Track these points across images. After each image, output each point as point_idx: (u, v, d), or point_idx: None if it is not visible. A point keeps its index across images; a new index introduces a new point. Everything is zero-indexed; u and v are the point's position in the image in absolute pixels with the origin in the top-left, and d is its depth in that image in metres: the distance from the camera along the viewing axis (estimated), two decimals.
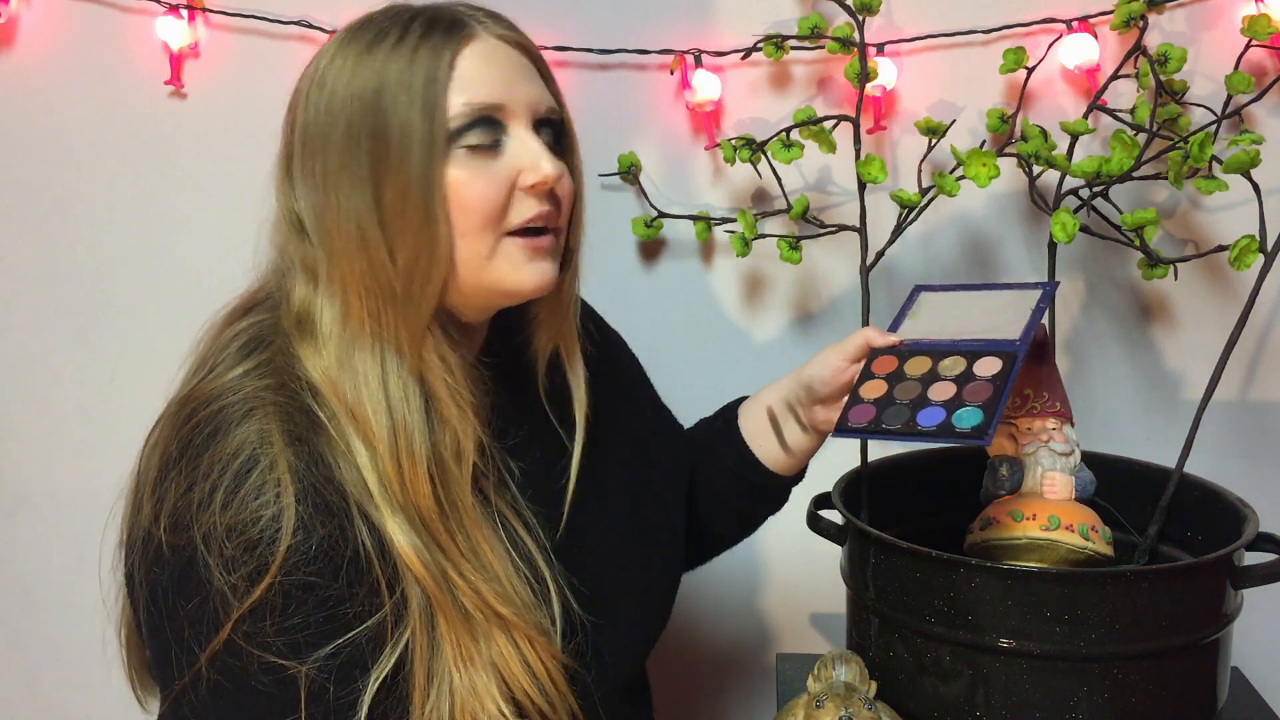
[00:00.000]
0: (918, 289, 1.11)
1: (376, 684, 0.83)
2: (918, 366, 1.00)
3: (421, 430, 0.86)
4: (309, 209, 0.88)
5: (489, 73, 0.87)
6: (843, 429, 0.98)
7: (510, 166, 0.87)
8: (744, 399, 1.16)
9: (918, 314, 1.08)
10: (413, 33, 0.86)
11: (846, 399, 1.00)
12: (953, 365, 0.99)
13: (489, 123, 0.86)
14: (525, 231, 0.88)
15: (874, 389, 0.99)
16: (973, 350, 1.00)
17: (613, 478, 1.03)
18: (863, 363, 1.03)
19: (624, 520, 1.03)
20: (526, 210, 0.88)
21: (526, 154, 0.87)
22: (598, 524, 1.00)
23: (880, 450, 1.24)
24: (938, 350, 1.01)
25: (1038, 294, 1.05)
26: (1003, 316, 1.03)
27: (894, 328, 1.07)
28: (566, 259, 0.94)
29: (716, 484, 1.14)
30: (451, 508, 0.87)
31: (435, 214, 0.84)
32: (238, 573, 0.80)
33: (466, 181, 0.85)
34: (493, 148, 0.87)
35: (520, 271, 0.89)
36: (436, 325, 0.88)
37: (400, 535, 0.84)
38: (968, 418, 0.93)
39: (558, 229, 0.91)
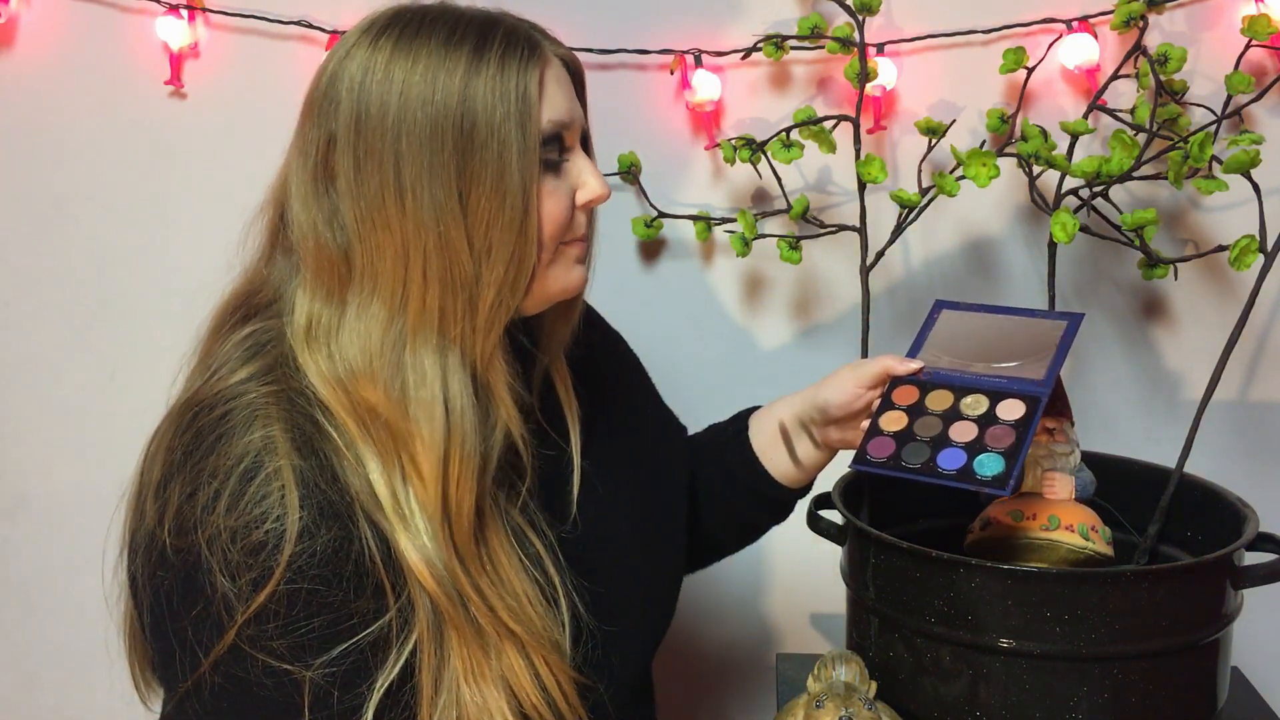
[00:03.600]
0: (939, 305, 1.10)
1: (382, 690, 0.83)
2: (939, 401, 1.00)
3: (475, 434, 0.86)
4: (360, 202, 0.85)
5: (559, 94, 0.89)
6: (862, 462, 0.98)
7: (571, 184, 0.90)
8: (755, 409, 1.15)
9: (938, 334, 1.07)
10: (494, 44, 0.86)
11: (866, 429, 1.00)
12: (975, 404, 0.99)
13: (559, 141, 0.89)
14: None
15: (894, 421, 0.99)
16: (996, 390, 0.99)
17: (615, 478, 1.02)
18: (881, 389, 1.03)
19: (628, 520, 1.03)
20: (580, 226, 0.92)
21: (585, 173, 0.91)
22: (602, 525, 1.00)
23: None
24: (960, 385, 1.01)
25: (1063, 325, 1.04)
26: (1027, 347, 1.03)
27: (915, 348, 1.06)
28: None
29: (723, 494, 1.14)
30: (478, 513, 0.87)
31: (530, 229, 0.86)
32: (242, 578, 0.80)
33: (546, 196, 0.87)
34: (559, 165, 0.89)
35: (569, 275, 0.92)
36: (505, 332, 0.89)
37: (413, 551, 0.83)
38: (989, 465, 0.94)
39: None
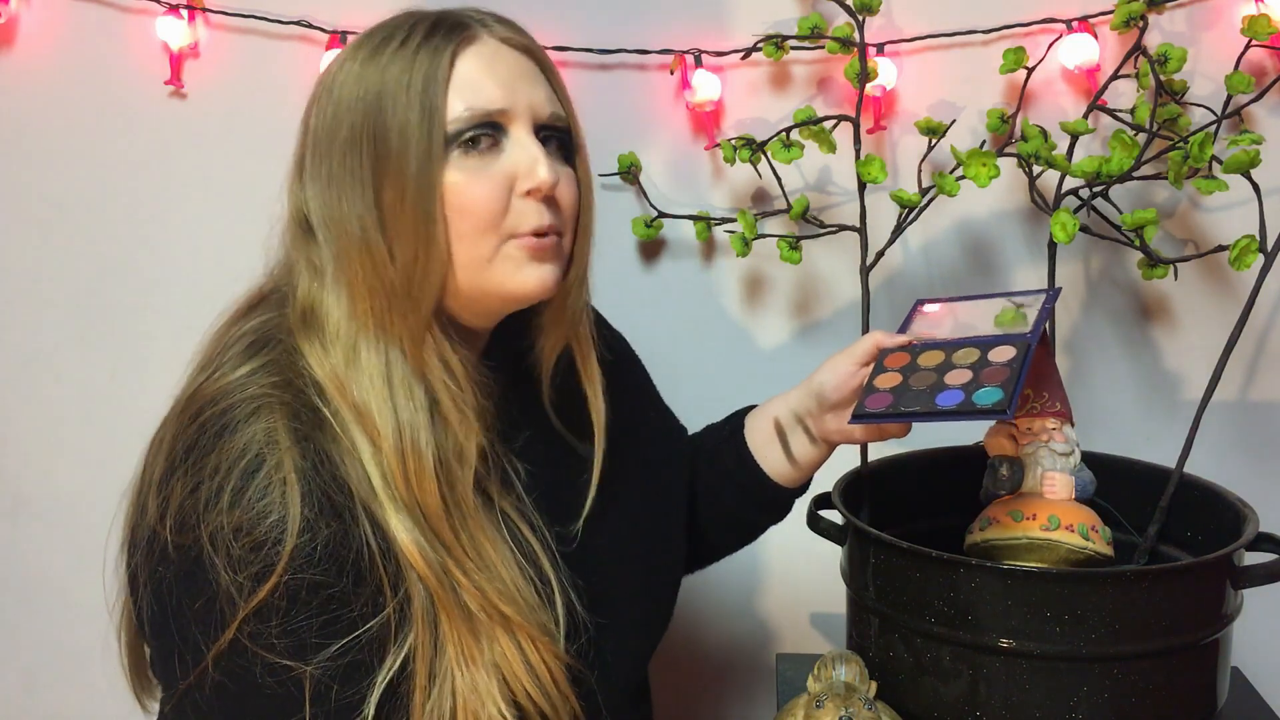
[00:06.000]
0: (919, 302, 1.11)
1: (383, 685, 0.83)
2: (932, 359, 1.01)
3: (426, 429, 0.86)
4: (317, 209, 0.88)
5: (490, 76, 0.87)
6: (860, 415, 0.98)
7: (507, 170, 0.87)
8: (752, 408, 1.15)
9: (922, 324, 1.08)
10: (415, 35, 0.87)
11: (862, 391, 1.00)
12: (966, 355, 1.00)
13: (489, 126, 0.87)
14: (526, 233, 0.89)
15: (889, 380, 1.00)
16: (986, 342, 1.01)
17: (618, 480, 1.02)
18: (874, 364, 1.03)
19: (629, 522, 1.03)
20: (527, 218, 0.88)
21: (525, 158, 0.87)
22: (603, 526, 1.00)
23: (880, 450, 1.24)
24: (950, 345, 1.02)
25: (1042, 297, 1.06)
26: (1009, 318, 1.05)
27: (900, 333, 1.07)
28: (570, 265, 0.94)
29: (720, 494, 1.14)
30: (455, 507, 0.87)
31: (433, 215, 0.85)
32: (244, 573, 0.80)
33: (464, 185, 0.86)
34: (489, 151, 0.87)
35: (520, 274, 0.88)
36: (437, 327, 0.88)
37: (403, 532, 0.84)
38: (987, 396, 0.94)
39: (560, 232, 0.91)
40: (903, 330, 1.07)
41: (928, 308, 1.10)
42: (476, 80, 0.86)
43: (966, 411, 0.94)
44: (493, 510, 0.91)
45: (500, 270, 0.88)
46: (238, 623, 0.80)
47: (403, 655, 0.84)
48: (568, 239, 0.92)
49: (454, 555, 0.86)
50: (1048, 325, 1.19)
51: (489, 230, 0.87)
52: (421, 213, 0.85)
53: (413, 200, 0.84)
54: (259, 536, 0.80)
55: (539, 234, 0.88)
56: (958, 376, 0.97)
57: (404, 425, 0.86)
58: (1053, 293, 1.06)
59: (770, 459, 1.11)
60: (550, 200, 0.89)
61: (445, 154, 0.85)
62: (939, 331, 1.05)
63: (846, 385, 1.03)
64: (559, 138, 0.91)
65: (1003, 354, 0.98)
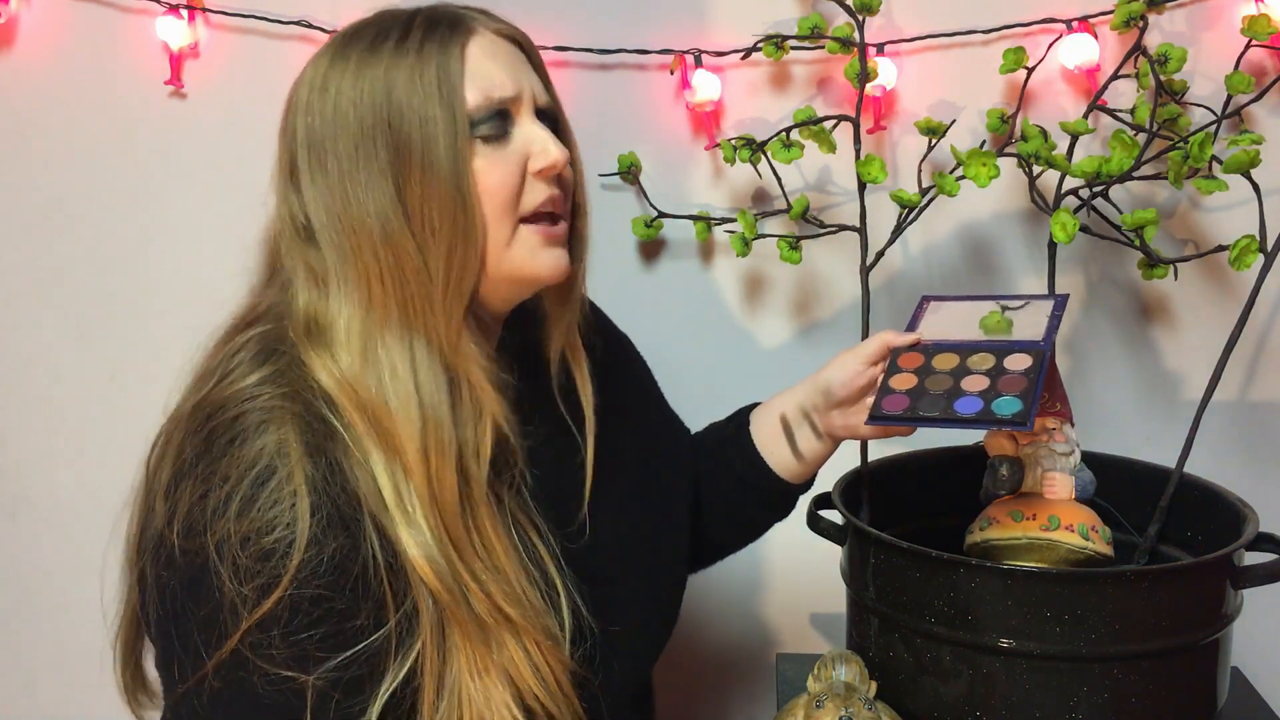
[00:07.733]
0: (925, 299, 1.11)
1: (385, 697, 0.83)
2: (946, 362, 1.01)
3: (449, 421, 0.87)
4: (320, 212, 0.88)
5: (495, 66, 0.89)
6: (877, 417, 0.98)
7: (519, 152, 0.89)
8: (756, 405, 1.15)
9: (929, 323, 1.08)
10: (415, 32, 0.87)
11: (877, 391, 1.00)
12: (981, 361, 1.00)
13: (502, 115, 0.88)
14: (538, 219, 0.90)
15: (904, 381, 1.00)
16: (1000, 348, 1.01)
17: (621, 482, 1.03)
18: (883, 366, 1.03)
19: (632, 525, 1.03)
20: (537, 195, 0.90)
21: (536, 140, 0.90)
22: (607, 529, 1.00)
23: (880, 450, 1.24)
24: (963, 348, 1.02)
25: (1050, 303, 1.06)
26: (1018, 323, 1.04)
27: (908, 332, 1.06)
28: (574, 248, 0.96)
29: (725, 491, 1.14)
30: (469, 502, 0.88)
31: (469, 203, 0.86)
32: (249, 583, 0.80)
33: (486, 169, 0.87)
34: (502, 137, 0.89)
35: (537, 259, 0.91)
36: (470, 315, 0.89)
37: (414, 546, 0.84)
38: (1007, 406, 0.94)
39: (564, 215, 0.93)
40: (910, 328, 1.07)
41: (934, 305, 1.10)
42: (487, 70, 0.88)
43: (986, 420, 0.94)
44: (503, 510, 0.91)
45: (518, 255, 0.90)
46: (240, 632, 0.80)
47: (406, 668, 0.84)
48: (567, 222, 0.95)
49: (464, 555, 0.86)
50: None
51: (507, 213, 0.89)
52: (458, 202, 0.86)
53: (446, 191, 0.85)
54: (266, 547, 0.80)
55: (548, 217, 0.91)
56: (975, 383, 0.98)
57: (429, 418, 0.86)
58: (1061, 299, 1.06)
59: (776, 455, 1.11)
60: (557, 178, 0.92)
61: (471, 142, 0.87)
62: (949, 331, 1.05)
63: (854, 384, 1.03)
64: (551, 120, 0.94)
65: (1019, 362, 0.98)
